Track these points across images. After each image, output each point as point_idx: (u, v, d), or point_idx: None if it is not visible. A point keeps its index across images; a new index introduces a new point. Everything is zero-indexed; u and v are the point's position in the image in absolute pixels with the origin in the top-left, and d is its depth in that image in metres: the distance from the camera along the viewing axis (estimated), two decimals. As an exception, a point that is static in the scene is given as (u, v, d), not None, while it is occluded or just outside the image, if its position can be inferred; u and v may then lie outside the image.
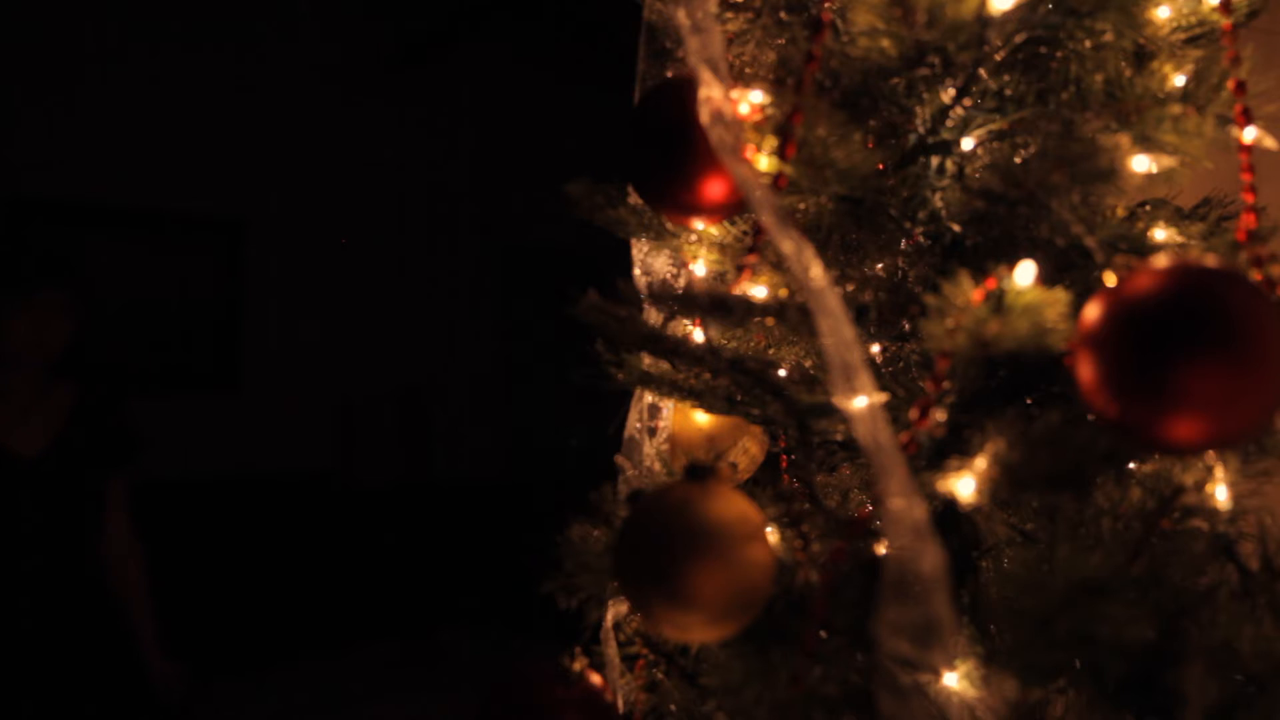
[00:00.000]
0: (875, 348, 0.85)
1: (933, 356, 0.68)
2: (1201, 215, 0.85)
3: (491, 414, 5.42)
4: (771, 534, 0.73)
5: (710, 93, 0.69)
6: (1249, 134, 0.71)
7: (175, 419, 4.08)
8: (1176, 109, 0.70)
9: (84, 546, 2.20)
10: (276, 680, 4.00)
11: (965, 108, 0.76)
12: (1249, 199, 0.72)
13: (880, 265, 0.83)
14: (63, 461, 2.20)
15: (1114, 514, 0.69)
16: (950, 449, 0.68)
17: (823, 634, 0.67)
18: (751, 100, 0.75)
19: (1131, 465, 0.74)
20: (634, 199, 0.90)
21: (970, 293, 0.63)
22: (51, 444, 2.19)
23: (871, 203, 0.79)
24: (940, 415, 0.67)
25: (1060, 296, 0.62)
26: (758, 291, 0.82)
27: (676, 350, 0.74)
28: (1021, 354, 0.64)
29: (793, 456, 0.98)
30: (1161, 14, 0.77)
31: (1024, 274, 0.63)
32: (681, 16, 0.71)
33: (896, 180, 0.78)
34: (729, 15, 0.83)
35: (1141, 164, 0.73)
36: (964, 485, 0.64)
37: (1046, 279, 0.65)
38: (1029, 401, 0.77)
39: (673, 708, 0.86)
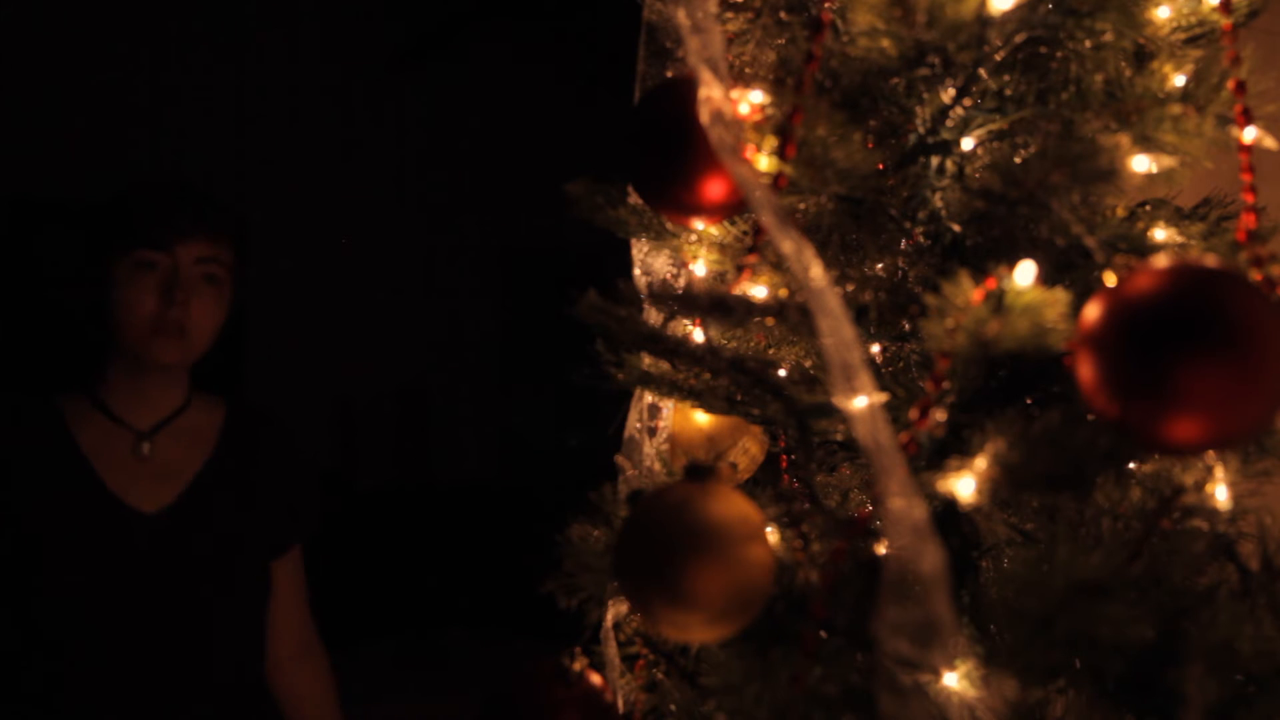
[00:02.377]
0: (875, 348, 0.85)
1: (933, 356, 0.68)
2: (1201, 215, 0.85)
3: (491, 414, 5.42)
4: (771, 534, 0.73)
5: (710, 93, 0.69)
6: (1249, 134, 0.71)
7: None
8: (1176, 109, 0.70)
9: (240, 647, 1.52)
10: (277, 680, 3.99)
11: (965, 108, 0.76)
12: (1249, 199, 0.72)
13: (880, 265, 0.83)
14: (205, 520, 1.48)
15: (1114, 514, 0.69)
16: (950, 449, 0.68)
17: (823, 634, 0.67)
18: (751, 100, 0.75)
19: (1131, 465, 0.74)
20: (634, 199, 0.90)
21: (970, 293, 0.63)
22: (188, 492, 1.48)
23: (871, 203, 0.79)
24: (940, 415, 0.67)
25: (1060, 296, 0.62)
26: (758, 291, 0.82)
27: (676, 350, 0.74)
28: (1021, 354, 0.64)
29: (793, 456, 0.98)
30: (1161, 14, 0.77)
31: (1024, 274, 0.63)
32: (681, 16, 0.71)
33: (896, 180, 0.78)
34: (729, 15, 0.83)
35: (1141, 164, 0.73)
36: (964, 485, 0.64)
37: (1046, 279, 0.65)
38: (1029, 401, 0.77)
39: (673, 708, 0.86)
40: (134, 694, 1.41)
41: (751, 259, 0.77)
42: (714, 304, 0.69)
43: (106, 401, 1.51)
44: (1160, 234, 0.79)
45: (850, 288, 0.82)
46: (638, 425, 1.00)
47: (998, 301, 0.62)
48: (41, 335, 3.57)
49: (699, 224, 0.82)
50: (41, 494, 1.43)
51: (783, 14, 0.82)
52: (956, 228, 0.78)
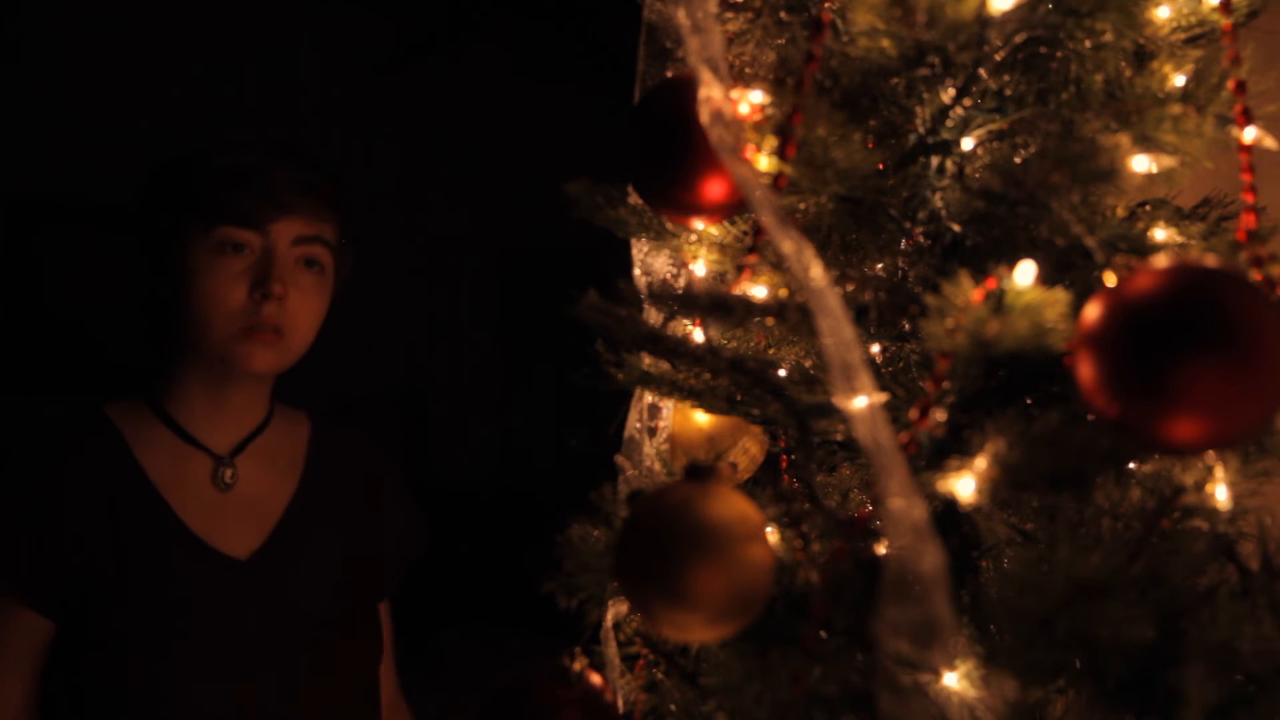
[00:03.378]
0: (875, 348, 0.85)
1: (933, 356, 0.68)
2: (1201, 215, 0.85)
3: (491, 414, 5.42)
4: (771, 534, 0.73)
5: (710, 93, 0.69)
6: (1249, 134, 0.71)
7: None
8: (1176, 109, 0.70)
9: (354, 711, 1.27)
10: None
11: (965, 108, 0.76)
12: (1249, 199, 0.72)
13: (880, 265, 0.83)
14: (304, 564, 1.23)
15: (1114, 514, 0.69)
16: (950, 449, 0.68)
17: (823, 634, 0.67)
18: (751, 100, 0.75)
19: (1131, 465, 0.74)
20: (634, 199, 0.90)
21: (970, 293, 0.63)
22: (280, 530, 1.23)
23: (871, 203, 0.79)
24: (940, 415, 0.67)
25: (1060, 296, 0.62)
26: (758, 291, 0.82)
27: (676, 350, 0.74)
28: (1021, 354, 0.64)
29: (793, 456, 0.98)
30: (1161, 14, 0.77)
31: (1024, 274, 0.63)
32: (681, 16, 0.71)
33: (896, 180, 0.78)
34: (729, 15, 0.83)
35: (1141, 164, 0.73)
36: (964, 485, 0.64)
37: (1046, 279, 0.65)
38: (1029, 401, 0.77)
39: (673, 708, 0.86)
40: None
41: (751, 259, 0.77)
42: (714, 304, 0.69)
43: (176, 416, 1.21)
44: (1160, 234, 0.79)
45: (850, 288, 0.82)
46: (638, 425, 1.00)
47: (998, 301, 0.62)
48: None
49: (699, 224, 0.82)
50: (114, 540, 1.14)
51: (783, 14, 0.82)
52: (956, 228, 0.78)
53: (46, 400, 3.26)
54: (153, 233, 1.21)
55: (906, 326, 0.81)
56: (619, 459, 1.01)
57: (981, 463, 0.63)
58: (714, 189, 0.75)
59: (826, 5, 0.74)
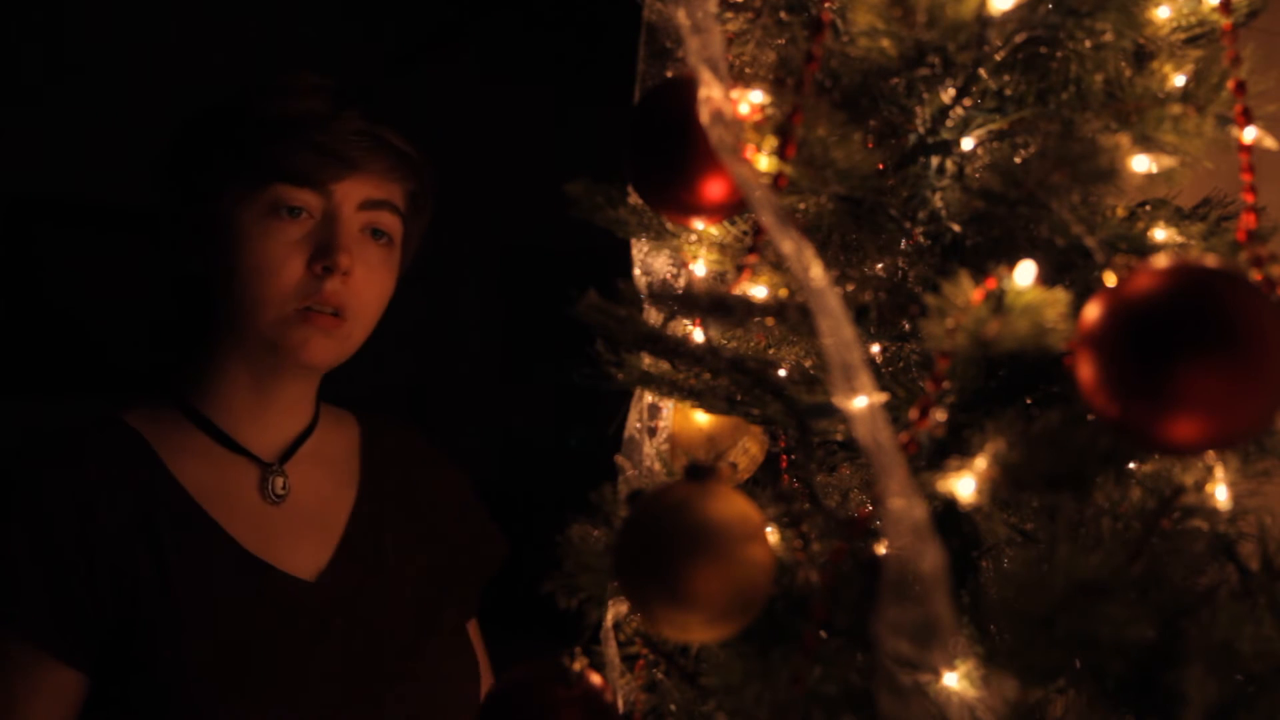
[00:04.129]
0: (875, 348, 0.85)
1: (933, 356, 0.68)
2: (1201, 215, 0.85)
3: (491, 414, 5.42)
4: (771, 534, 0.73)
5: (710, 93, 0.69)
6: (1249, 134, 0.71)
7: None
8: (1176, 109, 0.70)
9: None
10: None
11: (965, 108, 0.76)
12: (1249, 199, 0.72)
13: (880, 265, 0.83)
14: (381, 582, 1.06)
15: (1114, 514, 0.69)
16: (950, 449, 0.68)
17: (823, 634, 0.67)
18: (751, 100, 0.75)
19: (1131, 465, 0.74)
20: (634, 199, 0.90)
21: (970, 293, 0.63)
22: (346, 545, 1.06)
23: (871, 203, 0.79)
24: (940, 415, 0.67)
25: (1060, 296, 0.62)
26: (758, 291, 0.82)
27: (676, 350, 0.73)
28: (1021, 354, 0.64)
29: (793, 456, 0.98)
30: (1161, 14, 0.77)
31: (1024, 274, 0.63)
32: (681, 16, 0.71)
33: (896, 180, 0.78)
34: (729, 15, 0.83)
35: (1141, 164, 0.73)
36: (964, 485, 0.64)
37: (1046, 279, 0.65)
38: (1029, 401, 0.77)
39: (673, 708, 0.86)
40: None
41: (751, 259, 0.77)
42: (714, 304, 0.69)
43: (214, 418, 1.03)
44: (1160, 234, 0.79)
45: (850, 288, 0.82)
46: (638, 425, 1.00)
47: (998, 301, 0.62)
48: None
49: (699, 224, 0.82)
50: (155, 569, 0.95)
51: (783, 14, 0.82)
52: (956, 228, 0.78)
53: (46, 401, 3.26)
54: (188, 195, 1.00)
55: (906, 326, 0.81)
56: (619, 459, 1.01)
57: (981, 463, 0.63)
58: (714, 189, 0.75)
59: (826, 5, 0.74)
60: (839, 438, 0.81)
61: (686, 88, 0.73)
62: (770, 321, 0.76)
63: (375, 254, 1.01)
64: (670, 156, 0.75)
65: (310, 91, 1.01)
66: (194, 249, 1.01)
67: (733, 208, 0.77)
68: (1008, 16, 0.71)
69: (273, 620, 0.98)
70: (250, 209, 0.96)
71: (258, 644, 0.96)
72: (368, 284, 1.00)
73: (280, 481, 1.04)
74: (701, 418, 0.97)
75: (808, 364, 0.87)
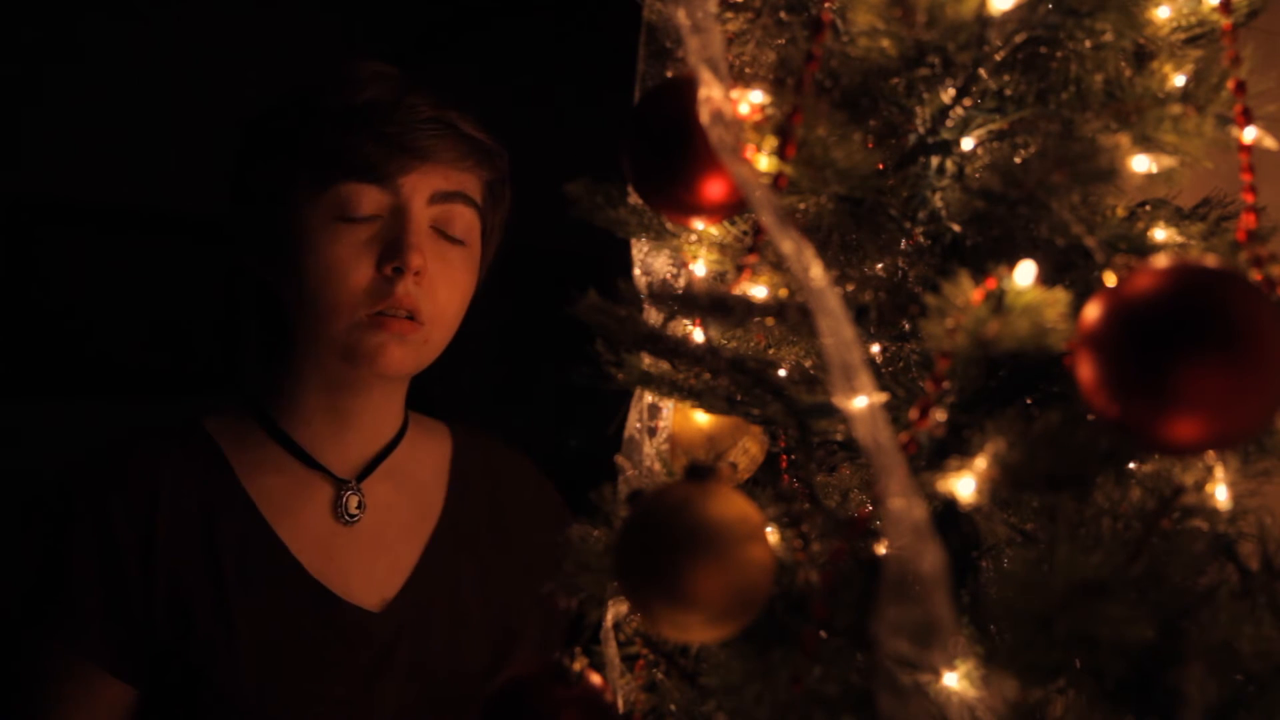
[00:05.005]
0: (875, 348, 0.85)
1: (933, 356, 0.68)
2: (1201, 215, 0.85)
3: (491, 414, 5.41)
4: (771, 534, 0.73)
5: (710, 93, 0.69)
6: (1249, 134, 0.71)
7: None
8: (1176, 109, 0.70)
9: None
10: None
11: (965, 108, 0.76)
12: (1249, 199, 0.72)
13: (880, 265, 0.83)
14: (454, 617, 0.99)
15: (1114, 514, 0.69)
16: (950, 449, 0.68)
17: (823, 634, 0.67)
18: (751, 100, 0.75)
19: (1131, 465, 0.74)
20: (634, 199, 0.90)
21: (970, 293, 0.64)
22: (421, 573, 0.99)
23: (871, 203, 0.79)
24: (940, 415, 0.67)
25: (1060, 296, 0.62)
26: (758, 291, 0.82)
27: (676, 350, 0.73)
28: (1021, 354, 0.64)
29: (793, 456, 0.98)
30: (1161, 14, 0.77)
31: (1024, 274, 0.63)
32: (681, 16, 0.71)
33: (896, 180, 0.78)
34: (729, 15, 0.83)
35: (1141, 164, 0.73)
36: (964, 485, 0.64)
37: (1046, 279, 0.65)
38: (1029, 401, 0.77)
39: (673, 708, 0.86)
40: None
41: (751, 259, 0.77)
42: (714, 304, 0.69)
43: (292, 432, 0.97)
44: (1160, 234, 0.79)
45: (850, 288, 0.82)
46: (638, 425, 1.00)
47: (998, 301, 0.62)
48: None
49: (699, 224, 0.82)
50: (212, 588, 0.91)
51: (783, 14, 0.82)
52: (956, 228, 0.78)
53: (47, 402, 3.26)
54: (255, 200, 0.95)
55: (906, 326, 0.81)
56: (619, 459, 1.01)
57: (981, 463, 0.63)
58: (714, 189, 0.75)
59: (826, 5, 0.74)
60: (839, 438, 0.81)
61: (686, 88, 0.73)
62: (770, 321, 0.76)
63: (450, 251, 0.95)
64: (670, 156, 0.75)
65: (373, 79, 0.95)
66: (264, 256, 0.96)
67: (733, 208, 0.77)
68: (1008, 16, 0.71)
69: (331, 649, 0.92)
70: (316, 211, 0.91)
71: (313, 673, 0.91)
72: (443, 284, 0.95)
73: (354, 500, 0.98)
74: (701, 418, 0.97)
75: (808, 364, 0.87)
